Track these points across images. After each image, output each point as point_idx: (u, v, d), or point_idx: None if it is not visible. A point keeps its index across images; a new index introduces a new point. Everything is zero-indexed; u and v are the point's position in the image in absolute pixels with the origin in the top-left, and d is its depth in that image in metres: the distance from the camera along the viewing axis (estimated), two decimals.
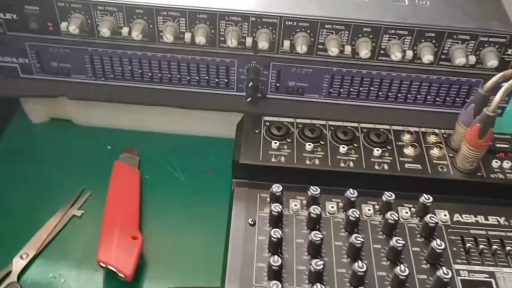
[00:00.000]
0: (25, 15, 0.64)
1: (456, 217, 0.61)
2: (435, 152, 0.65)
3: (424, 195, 0.60)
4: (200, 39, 0.63)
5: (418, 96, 0.69)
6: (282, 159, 0.64)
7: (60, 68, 0.69)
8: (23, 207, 0.67)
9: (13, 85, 0.71)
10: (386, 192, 0.60)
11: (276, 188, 0.60)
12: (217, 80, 0.69)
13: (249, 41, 0.64)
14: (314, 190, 0.60)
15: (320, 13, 0.63)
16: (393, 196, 0.59)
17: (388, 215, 0.57)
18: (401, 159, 0.64)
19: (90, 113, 0.76)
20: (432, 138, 0.67)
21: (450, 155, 0.64)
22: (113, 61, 0.68)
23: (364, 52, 0.63)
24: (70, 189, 0.69)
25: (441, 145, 0.66)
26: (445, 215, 0.61)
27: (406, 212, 0.61)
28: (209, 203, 0.69)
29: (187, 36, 0.64)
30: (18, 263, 0.61)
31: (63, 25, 0.63)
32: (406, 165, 0.64)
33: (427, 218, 0.58)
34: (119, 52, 0.67)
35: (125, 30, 0.63)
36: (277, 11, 0.63)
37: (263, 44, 0.63)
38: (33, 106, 0.77)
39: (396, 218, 0.57)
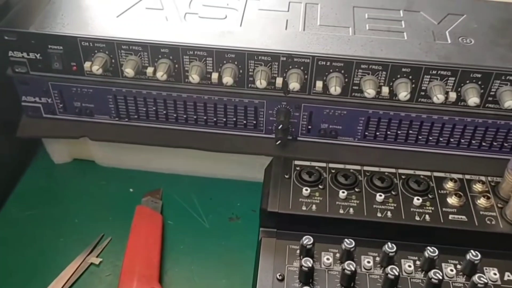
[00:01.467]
0: (48, 54, 0.62)
1: (507, 276, 0.55)
2: (481, 202, 0.60)
3: (472, 251, 0.54)
4: (228, 79, 0.60)
5: (462, 140, 0.64)
6: (314, 207, 0.59)
7: (83, 108, 0.67)
8: (41, 251, 0.65)
9: (35, 125, 0.69)
10: (428, 247, 0.54)
11: (307, 240, 0.55)
12: (245, 121, 0.66)
13: (279, 81, 0.61)
14: (349, 244, 0.55)
15: (355, 53, 0.60)
16: (437, 252, 0.54)
17: (431, 273, 0.52)
18: (444, 209, 0.59)
19: (113, 154, 0.74)
20: (478, 187, 0.61)
21: (499, 205, 0.59)
22: (137, 102, 0.65)
23: (403, 94, 0.59)
24: (90, 233, 0.67)
25: (488, 194, 0.60)
26: (494, 274, 0.55)
27: (451, 270, 0.55)
28: (234, 251, 0.66)
29: (214, 76, 0.61)
30: None
31: (87, 64, 0.61)
32: (450, 217, 0.58)
33: (475, 278, 0.52)
34: (143, 93, 0.64)
35: (149, 70, 0.61)
36: (309, 50, 0.60)
37: (294, 85, 0.59)
38: (55, 146, 0.75)
39: (441, 277, 0.52)
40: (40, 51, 0.62)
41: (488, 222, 0.58)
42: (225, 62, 0.60)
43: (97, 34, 0.61)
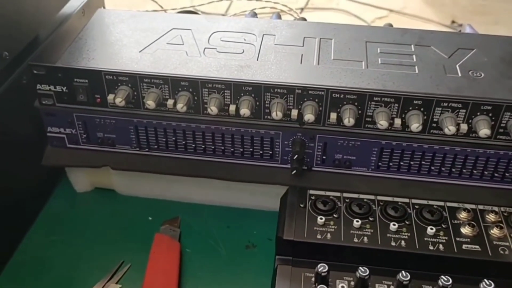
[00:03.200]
0: (74, 87, 0.65)
1: None
2: (495, 232, 0.60)
3: (485, 280, 0.55)
4: (245, 111, 0.62)
5: (474, 171, 0.65)
6: (328, 236, 0.60)
7: (105, 139, 0.69)
8: (62, 277, 0.66)
9: (60, 155, 0.71)
10: (442, 276, 0.55)
11: (322, 268, 0.56)
12: (261, 152, 0.68)
13: (294, 113, 0.62)
14: (363, 272, 0.56)
15: (368, 86, 0.62)
16: (451, 281, 0.55)
17: None
18: (457, 239, 0.60)
19: (133, 183, 0.76)
20: (491, 217, 0.62)
21: None
22: (158, 132, 0.68)
23: (415, 125, 0.60)
24: (110, 260, 0.68)
25: (501, 224, 0.61)
26: None
27: None
28: (251, 279, 0.67)
29: (232, 108, 0.63)
30: None
31: (110, 97, 0.64)
32: (464, 246, 0.59)
33: None
34: (163, 124, 0.67)
35: (170, 102, 0.63)
36: (323, 83, 0.62)
37: (309, 117, 0.61)
38: (77, 176, 0.77)
39: None
40: (66, 84, 0.65)
41: (502, 252, 0.58)
42: (242, 94, 0.63)
43: (120, 68, 0.64)
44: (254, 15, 0.82)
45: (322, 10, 1.30)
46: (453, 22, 1.40)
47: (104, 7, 0.85)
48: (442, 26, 1.35)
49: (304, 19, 0.80)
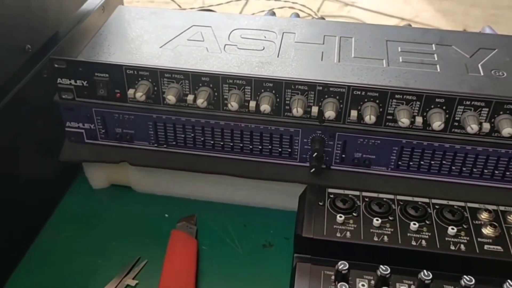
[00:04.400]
0: (94, 82, 0.65)
1: None
2: None
3: (509, 281, 0.54)
4: (265, 107, 0.62)
5: (496, 171, 0.64)
6: (348, 234, 0.60)
7: (124, 134, 0.69)
8: (79, 273, 0.66)
9: (77, 150, 0.71)
10: (465, 276, 0.54)
11: (342, 265, 0.56)
12: (280, 149, 0.67)
13: (314, 110, 0.62)
14: (384, 270, 0.55)
15: (389, 83, 0.61)
16: (473, 281, 0.54)
17: None
18: (479, 239, 0.59)
19: (149, 180, 0.76)
20: None
21: None
22: (176, 128, 0.68)
23: (437, 123, 0.60)
24: (127, 256, 0.68)
25: None
26: None
27: None
28: (268, 278, 0.66)
29: (252, 104, 0.63)
30: None
31: (130, 91, 0.64)
32: (486, 247, 0.58)
33: None
34: (182, 120, 0.67)
35: (190, 98, 0.63)
36: (344, 80, 0.61)
37: (329, 114, 0.61)
38: (94, 172, 0.77)
39: None
40: (87, 78, 0.65)
41: None
42: (263, 90, 0.62)
43: (141, 63, 0.64)
44: (273, 14, 0.82)
45: (333, 17, 1.30)
46: (464, 31, 1.40)
47: (123, 4, 0.85)
48: None
49: (323, 19, 0.80)
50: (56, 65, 0.64)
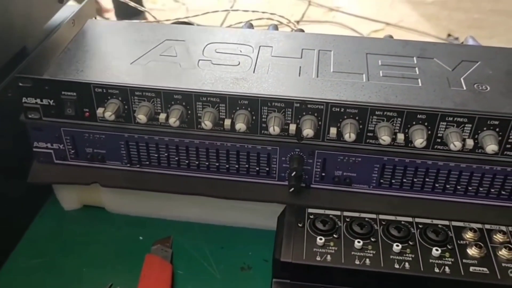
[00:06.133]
0: (61, 101, 0.62)
1: None
2: (503, 253, 0.58)
3: None
4: (241, 125, 0.59)
5: (480, 188, 0.62)
6: (328, 257, 0.57)
7: (95, 154, 0.66)
8: None
9: (47, 171, 0.68)
10: None
11: None
12: (257, 168, 0.65)
13: (292, 128, 0.60)
14: None
15: (369, 99, 0.59)
16: None
17: None
18: (464, 261, 0.57)
19: (123, 201, 0.72)
20: (498, 237, 0.59)
21: None
22: (149, 148, 0.65)
23: (419, 141, 0.57)
24: (98, 282, 0.64)
25: (510, 245, 0.58)
26: None
27: None
28: None
29: (227, 122, 0.60)
30: None
31: (100, 110, 0.61)
32: (471, 269, 0.56)
33: None
34: (155, 139, 0.64)
35: (162, 116, 0.61)
36: (323, 96, 0.59)
37: (307, 132, 0.59)
38: (65, 193, 0.73)
39: None
40: (54, 97, 0.62)
41: (511, 274, 0.56)
42: (238, 108, 0.60)
43: (110, 81, 0.61)
44: (251, 26, 0.80)
45: (319, 23, 1.29)
46: (449, 35, 1.39)
47: (95, 18, 0.82)
48: (439, 39, 1.33)
49: (302, 31, 0.78)
50: (20, 84, 0.61)
